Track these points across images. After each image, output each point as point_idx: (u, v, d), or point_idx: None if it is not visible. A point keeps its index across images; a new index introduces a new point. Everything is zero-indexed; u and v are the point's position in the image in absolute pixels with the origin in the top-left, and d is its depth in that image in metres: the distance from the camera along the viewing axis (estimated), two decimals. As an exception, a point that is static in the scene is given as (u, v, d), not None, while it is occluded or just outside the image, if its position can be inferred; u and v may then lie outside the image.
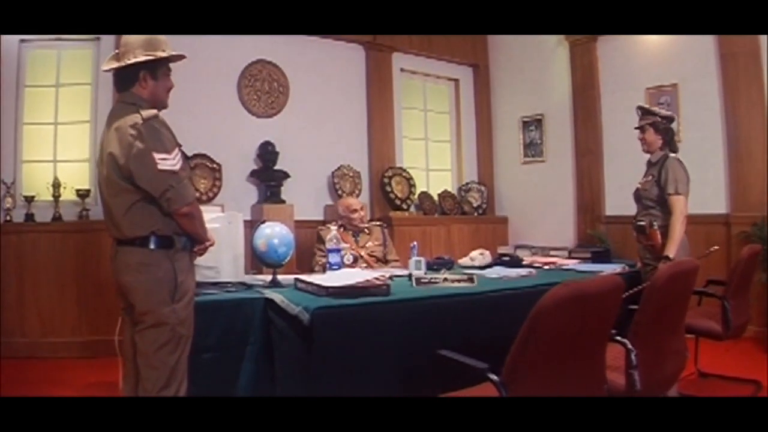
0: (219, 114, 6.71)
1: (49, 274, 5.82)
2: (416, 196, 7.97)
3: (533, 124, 8.31)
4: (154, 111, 2.87)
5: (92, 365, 5.30)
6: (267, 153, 6.82)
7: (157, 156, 2.75)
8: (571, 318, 2.23)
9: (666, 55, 6.77)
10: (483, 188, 8.69)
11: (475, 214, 8.47)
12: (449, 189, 8.59)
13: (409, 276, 3.90)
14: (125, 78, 2.94)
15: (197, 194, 6.26)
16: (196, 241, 3.03)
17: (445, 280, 3.69)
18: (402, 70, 8.27)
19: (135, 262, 2.85)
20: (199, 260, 3.23)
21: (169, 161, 2.78)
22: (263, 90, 7.04)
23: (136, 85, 2.93)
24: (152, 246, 2.84)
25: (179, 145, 2.90)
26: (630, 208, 6.72)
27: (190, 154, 6.23)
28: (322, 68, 7.43)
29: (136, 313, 2.89)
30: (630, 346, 2.70)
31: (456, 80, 8.92)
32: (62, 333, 5.80)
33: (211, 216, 3.57)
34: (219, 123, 6.69)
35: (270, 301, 3.30)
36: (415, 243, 4.38)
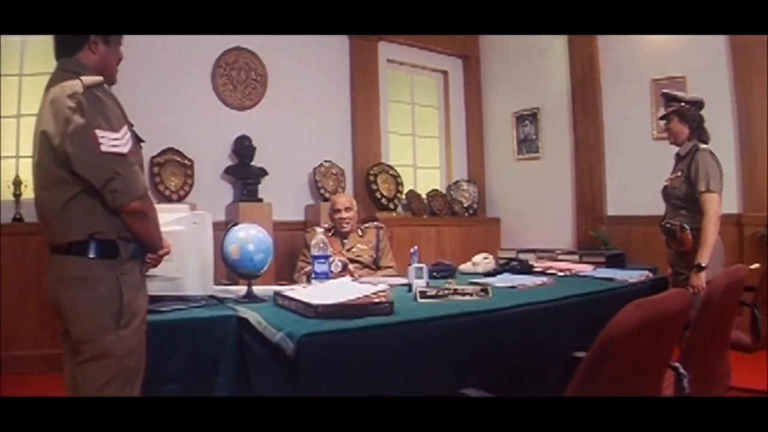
0: (191, 105, 6.26)
1: (8, 279, 5.29)
2: (404, 196, 7.57)
3: (528, 118, 7.92)
4: (99, 78, 2.30)
5: (56, 382, 4.74)
6: (243, 148, 6.38)
7: (100, 134, 2.19)
8: (648, 342, 1.94)
9: (673, 46, 6.39)
10: (474, 187, 8.29)
11: (466, 214, 8.08)
12: (438, 188, 8.20)
13: (409, 287, 3.42)
14: (70, 42, 2.39)
15: (167, 193, 5.86)
16: (149, 248, 2.47)
17: (455, 292, 3.16)
18: (388, 60, 7.85)
19: (70, 275, 2.27)
20: (158, 270, 2.69)
21: (115, 141, 2.22)
22: (239, 79, 6.56)
23: (84, 51, 2.38)
24: (92, 254, 2.27)
25: (130, 124, 2.34)
26: (634, 208, 6.66)
27: (159, 148, 5.88)
28: (303, 57, 6.96)
29: (72, 341, 2.32)
30: (682, 370, 2.32)
31: (445, 72, 8.55)
32: (23, 346, 5.27)
33: (173, 216, 3.04)
34: (191, 115, 6.24)
35: (245, 321, 2.74)
36: (416, 248, 3.81)
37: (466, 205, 8.14)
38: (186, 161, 6.07)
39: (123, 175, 2.22)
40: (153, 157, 5.82)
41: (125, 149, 2.24)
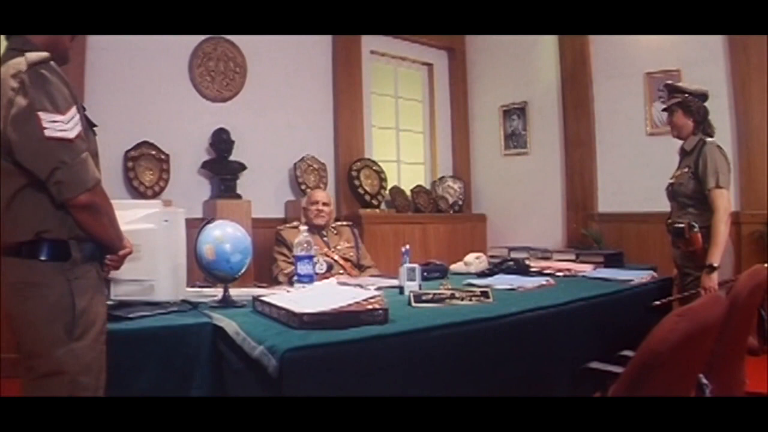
0: (167, 97, 5.97)
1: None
2: (387, 192, 7.34)
3: (515, 113, 7.71)
4: (45, 54, 2.03)
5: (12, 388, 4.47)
6: (221, 141, 6.11)
7: (44, 117, 1.93)
8: (690, 354, 1.83)
9: (667, 39, 6.20)
10: (459, 183, 8.08)
11: (451, 211, 7.86)
12: (423, 184, 7.97)
13: (401, 289, 3.19)
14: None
15: (142, 189, 5.59)
16: (106, 248, 2.21)
17: (453, 296, 2.92)
18: (372, 52, 7.61)
19: (17, 281, 2.02)
20: (125, 273, 2.46)
21: (60, 125, 1.95)
22: (217, 70, 6.28)
23: None
24: (43, 257, 2.01)
25: (81, 107, 2.09)
26: (626, 205, 6.50)
27: (134, 142, 5.61)
28: (283, 47, 6.67)
29: (22, 355, 2.05)
30: (705, 381, 2.22)
31: (430, 65, 8.32)
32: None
33: (142, 213, 2.78)
34: (167, 107, 5.96)
35: (221, 330, 2.47)
36: (408, 247, 3.56)
37: (451, 201, 7.92)
38: (162, 155, 5.80)
39: (69, 164, 1.97)
40: (127, 151, 5.57)
41: (72, 134, 1.98)
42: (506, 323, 2.72)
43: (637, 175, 6.37)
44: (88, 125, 2.18)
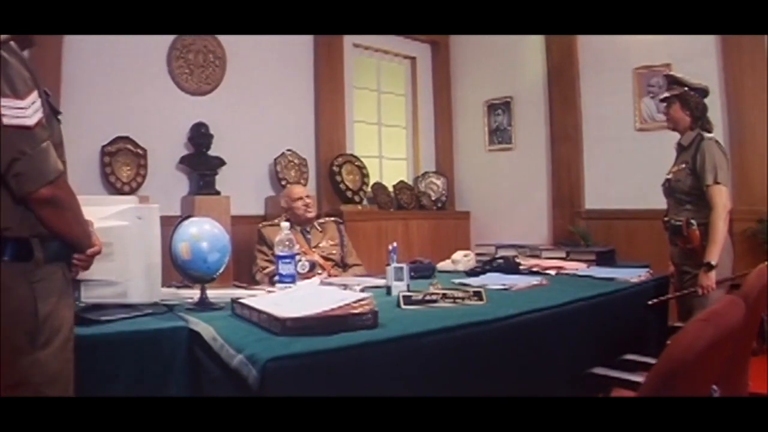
0: (145, 90, 5.81)
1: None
2: (369, 188, 7.23)
3: (500, 107, 7.62)
4: (4, 36, 1.85)
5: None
6: (200, 136, 5.95)
7: (1, 103, 1.76)
8: (717, 359, 1.79)
9: (657, 32, 6.08)
10: (442, 179, 7.98)
11: (434, 208, 7.77)
12: (405, 179, 7.88)
13: (388, 289, 3.06)
14: None
15: (119, 185, 5.42)
16: (73, 246, 2.04)
17: (444, 297, 2.79)
18: (354, 45, 7.48)
19: None
20: (95, 273, 2.30)
21: (19, 111, 1.78)
22: (197, 63, 6.11)
23: None
24: (6, 257, 1.84)
25: (45, 93, 1.92)
26: (614, 202, 6.42)
27: (110, 137, 5.45)
28: (264, 39, 6.46)
29: None
30: (714, 386, 2.16)
31: (413, 58, 8.21)
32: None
33: (114, 209, 2.62)
34: (145, 101, 5.80)
35: (198, 335, 2.32)
36: (395, 244, 3.41)
37: (434, 198, 7.82)
38: (139, 150, 5.65)
39: (29, 154, 1.79)
40: (104, 146, 5.42)
41: (32, 120, 1.80)
42: (504, 326, 2.60)
43: (625, 171, 6.31)
44: (52, 112, 2.01)
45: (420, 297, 2.77)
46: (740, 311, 1.80)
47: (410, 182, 7.92)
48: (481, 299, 2.84)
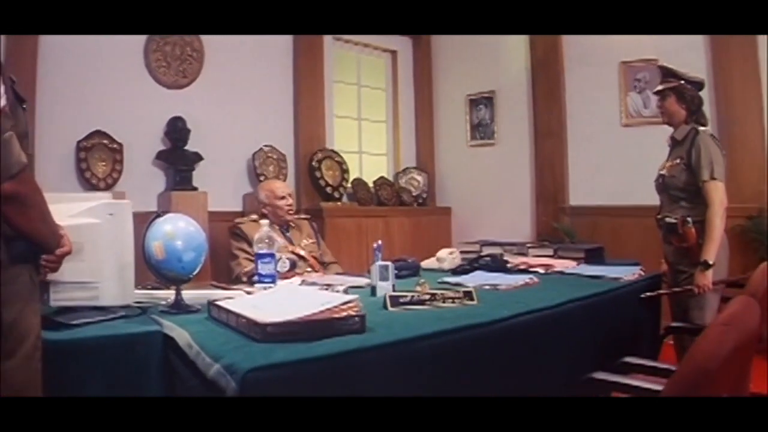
0: (120, 83, 5.67)
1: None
2: (349, 184, 7.15)
3: (482, 102, 7.55)
4: None
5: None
6: (177, 130, 5.84)
7: None
8: (740, 363, 1.79)
9: (644, 26, 6.02)
10: (423, 175, 7.92)
11: (415, 204, 7.69)
12: (385, 175, 7.80)
13: (372, 290, 2.95)
14: None
15: (94, 180, 5.29)
16: (40, 246, 1.90)
17: (433, 298, 2.69)
18: (335, 38, 7.39)
19: None
20: (65, 274, 2.18)
21: None
22: (174, 55, 5.98)
23: None
24: None
25: (9, 78, 1.79)
26: (599, 198, 6.38)
27: (86, 132, 5.32)
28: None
29: None
30: None
31: (394, 52, 8.12)
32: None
33: (85, 206, 2.47)
34: (120, 94, 5.66)
35: (172, 340, 2.18)
36: (380, 242, 3.30)
37: (415, 194, 7.76)
38: (114, 145, 5.52)
39: None
40: (79, 141, 5.29)
41: None
42: (500, 329, 2.51)
43: (611, 167, 6.28)
44: (17, 100, 1.87)
45: (408, 298, 2.67)
46: (757, 312, 1.76)
47: (391, 178, 7.84)
48: (471, 300, 2.75)
